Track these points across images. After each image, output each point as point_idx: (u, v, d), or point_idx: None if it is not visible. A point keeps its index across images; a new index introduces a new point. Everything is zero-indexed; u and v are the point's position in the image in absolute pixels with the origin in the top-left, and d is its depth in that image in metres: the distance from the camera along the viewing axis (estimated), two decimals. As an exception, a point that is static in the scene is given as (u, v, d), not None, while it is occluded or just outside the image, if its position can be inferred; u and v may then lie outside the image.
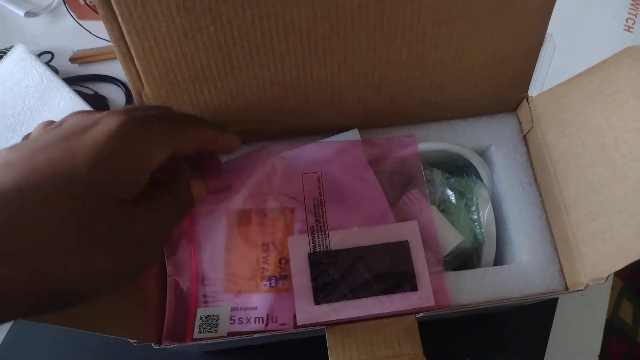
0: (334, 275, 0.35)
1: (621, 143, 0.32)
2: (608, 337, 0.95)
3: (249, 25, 0.31)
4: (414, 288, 0.34)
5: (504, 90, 0.38)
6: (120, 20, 0.30)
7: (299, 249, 0.35)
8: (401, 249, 0.35)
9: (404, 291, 0.34)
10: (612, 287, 1.04)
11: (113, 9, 0.29)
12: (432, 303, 0.34)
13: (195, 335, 0.34)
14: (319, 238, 0.36)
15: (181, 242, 0.36)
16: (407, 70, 0.35)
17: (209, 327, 0.34)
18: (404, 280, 0.35)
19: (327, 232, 0.36)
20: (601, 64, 0.34)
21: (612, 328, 0.94)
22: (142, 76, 0.33)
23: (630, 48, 0.33)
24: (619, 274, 0.98)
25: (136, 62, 0.33)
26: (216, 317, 0.34)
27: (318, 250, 0.35)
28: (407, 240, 0.35)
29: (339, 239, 0.36)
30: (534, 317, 0.49)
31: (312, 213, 0.37)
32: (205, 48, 0.32)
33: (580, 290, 0.34)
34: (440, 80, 0.37)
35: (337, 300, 0.34)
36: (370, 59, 0.34)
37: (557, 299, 0.50)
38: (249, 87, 0.35)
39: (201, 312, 0.34)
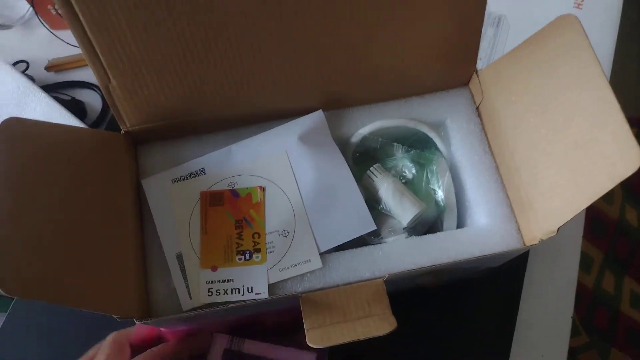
0: None
1: (560, 104, 0.35)
2: (595, 309, 0.98)
3: (204, 17, 0.33)
4: None
5: (453, 66, 0.41)
6: (81, 18, 0.32)
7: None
8: None
9: None
10: (594, 260, 1.07)
11: (74, 8, 0.31)
12: None
13: None
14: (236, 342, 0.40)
15: None
16: (359, 54, 0.38)
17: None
18: None
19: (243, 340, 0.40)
20: (537, 33, 0.36)
21: (597, 299, 0.96)
22: (107, 71, 0.35)
23: (562, 16, 0.35)
24: (599, 246, 1.01)
25: (101, 57, 0.34)
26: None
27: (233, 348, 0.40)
28: None
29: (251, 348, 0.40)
30: (505, 281, 0.51)
31: None
32: (165, 41, 0.34)
33: (534, 244, 0.36)
34: (390, 61, 0.39)
35: None
36: (321, 46, 0.36)
37: (526, 262, 0.52)
38: (210, 76, 0.37)
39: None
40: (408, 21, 0.37)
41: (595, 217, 0.93)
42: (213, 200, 0.39)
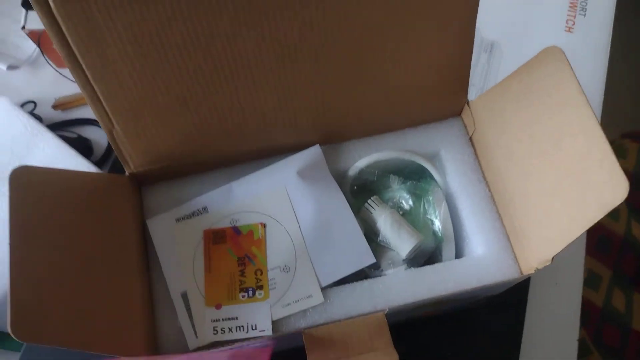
0: None
1: (548, 135, 0.36)
2: (603, 326, 0.97)
3: (201, 62, 0.34)
4: None
5: (445, 98, 0.42)
6: (84, 67, 0.34)
7: None
8: None
9: None
10: (602, 277, 1.06)
11: (78, 60, 0.33)
12: None
13: None
14: None
15: None
16: (354, 92, 0.39)
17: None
18: None
19: None
20: (525, 65, 0.37)
21: (607, 317, 0.96)
22: (111, 117, 0.37)
23: (548, 48, 0.36)
24: (607, 263, 1.01)
25: (104, 104, 0.36)
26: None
27: None
28: None
29: None
30: (508, 307, 0.51)
31: None
32: (165, 86, 0.35)
33: (531, 274, 0.37)
34: (385, 96, 0.40)
35: None
36: (317, 84, 0.38)
37: (527, 288, 0.52)
38: (210, 118, 0.38)
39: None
40: (400, 58, 0.38)
41: (602, 235, 0.93)
42: (216, 238, 0.40)
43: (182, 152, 0.41)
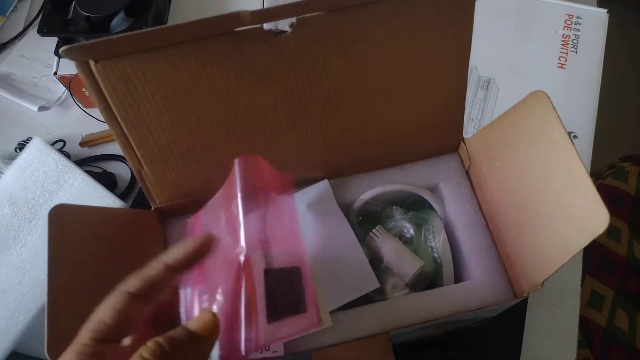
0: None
1: (537, 169, 0.39)
2: (608, 347, 0.98)
3: (223, 112, 0.39)
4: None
5: (442, 136, 0.46)
6: (119, 119, 0.38)
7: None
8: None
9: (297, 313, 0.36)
10: (605, 298, 1.08)
11: (114, 112, 0.37)
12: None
13: None
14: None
15: None
16: (358, 133, 0.43)
17: None
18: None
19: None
20: (515, 107, 0.41)
21: (610, 337, 0.97)
22: (140, 159, 0.41)
23: (534, 92, 0.40)
24: (609, 283, 1.02)
25: (135, 149, 0.40)
26: None
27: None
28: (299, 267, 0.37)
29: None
30: (506, 327, 0.54)
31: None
32: (190, 133, 0.40)
33: (523, 297, 0.40)
34: (388, 136, 0.44)
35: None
36: (325, 127, 0.42)
37: (525, 310, 0.55)
38: (228, 159, 0.42)
39: None
40: (402, 104, 0.42)
41: (604, 257, 0.95)
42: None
43: (202, 189, 0.45)
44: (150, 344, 0.26)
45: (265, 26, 0.35)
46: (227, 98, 0.38)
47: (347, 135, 0.44)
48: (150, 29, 0.32)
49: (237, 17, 0.32)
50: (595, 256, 0.96)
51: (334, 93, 0.40)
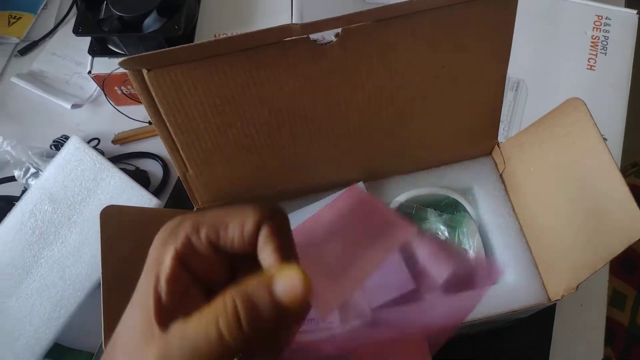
0: None
1: (573, 176, 0.40)
2: (630, 345, 0.99)
3: (267, 118, 0.40)
4: None
5: (477, 140, 0.46)
6: (168, 125, 0.39)
7: None
8: None
9: None
10: (627, 297, 1.08)
11: (163, 118, 0.39)
12: None
13: None
14: None
15: None
16: (394, 137, 0.44)
17: None
18: None
19: None
20: (550, 113, 0.42)
21: (633, 336, 0.97)
22: (186, 163, 0.42)
23: (571, 99, 0.41)
24: (631, 282, 1.03)
25: (181, 153, 0.42)
26: None
27: None
28: None
29: None
30: (536, 327, 0.55)
31: None
32: (234, 138, 0.41)
33: (557, 300, 0.41)
34: (424, 140, 0.45)
35: None
36: (364, 131, 0.43)
37: (554, 312, 0.56)
38: (269, 162, 0.44)
39: None
40: (438, 108, 0.43)
41: (626, 255, 0.95)
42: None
43: (243, 190, 0.46)
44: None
45: (312, 36, 0.36)
46: (272, 104, 0.39)
47: (384, 140, 0.45)
48: (205, 41, 0.33)
49: (287, 29, 0.34)
50: (617, 256, 0.96)
51: (374, 99, 0.41)
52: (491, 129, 0.46)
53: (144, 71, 0.36)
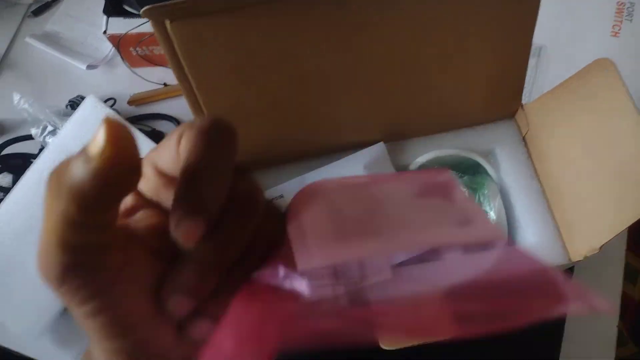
0: None
1: (600, 137, 0.39)
2: (640, 319, 0.99)
3: (289, 74, 0.39)
4: None
5: (500, 101, 0.46)
6: (190, 78, 0.39)
7: None
8: None
9: None
10: (639, 271, 1.08)
11: (185, 72, 0.38)
12: None
13: None
14: None
15: None
16: (419, 96, 0.44)
17: None
18: None
19: None
20: (577, 74, 0.41)
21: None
22: (207, 118, 0.42)
23: (599, 60, 0.40)
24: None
25: (203, 108, 0.41)
26: None
27: None
28: None
29: None
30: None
31: None
32: (256, 93, 0.41)
33: (579, 260, 0.41)
34: (447, 101, 0.44)
35: None
36: (389, 89, 0.42)
37: (571, 276, 0.56)
38: (289, 120, 0.43)
39: None
40: (462, 66, 0.42)
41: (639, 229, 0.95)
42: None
43: (262, 148, 0.46)
44: None
45: (338, -12, 0.35)
46: (294, 60, 0.39)
47: (407, 99, 0.44)
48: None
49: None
50: (630, 229, 0.95)
51: (397, 57, 0.40)
52: (515, 91, 0.45)
53: (167, 22, 0.35)
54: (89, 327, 0.18)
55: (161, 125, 0.70)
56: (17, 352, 0.60)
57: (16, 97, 0.64)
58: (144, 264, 0.19)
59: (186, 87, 0.40)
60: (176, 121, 0.70)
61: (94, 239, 0.17)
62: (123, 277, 0.18)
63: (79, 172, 0.16)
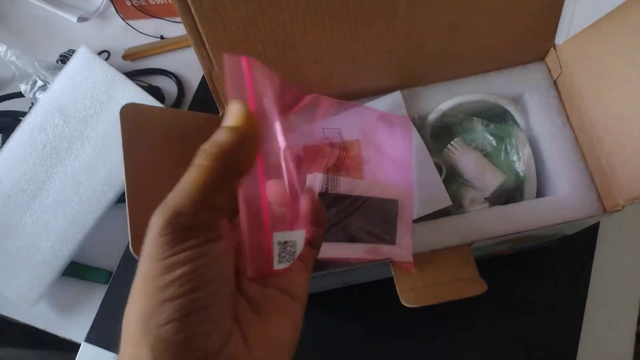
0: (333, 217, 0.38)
1: (644, 75, 0.36)
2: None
3: (303, 7, 0.35)
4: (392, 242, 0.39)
5: (531, 42, 0.42)
6: (193, 11, 0.35)
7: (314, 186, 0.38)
8: (392, 206, 0.39)
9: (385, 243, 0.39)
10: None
11: (187, 4, 0.34)
12: (408, 259, 0.38)
13: (275, 266, 0.27)
14: (331, 181, 0.38)
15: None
16: (443, 32, 0.40)
17: (287, 256, 0.28)
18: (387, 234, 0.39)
19: (339, 178, 0.38)
20: (617, 9, 0.37)
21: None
22: (212, 58, 0.38)
23: (644, -9, 0.36)
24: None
25: (207, 46, 0.37)
26: (293, 244, 0.28)
27: (329, 192, 0.38)
28: (398, 200, 0.39)
29: (346, 187, 0.39)
30: (577, 250, 0.52)
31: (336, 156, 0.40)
32: (266, 29, 0.37)
33: (618, 210, 0.38)
34: (474, 38, 0.40)
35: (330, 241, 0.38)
36: (409, 27, 0.38)
37: (597, 233, 0.53)
38: (303, 62, 0.39)
39: (278, 237, 0.27)
40: (492, 3, 0.38)
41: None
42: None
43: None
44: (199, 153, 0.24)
45: None
46: (309, -12, 0.35)
47: (430, 37, 0.40)
48: None
49: None
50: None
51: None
52: (549, 30, 0.41)
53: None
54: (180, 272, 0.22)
55: (158, 81, 0.66)
56: (15, 320, 0.58)
57: (2, 49, 0.59)
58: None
59: (189, 23, 0.36)
60: (174, 76, 0.66)
61: (222, 199, 0.24)
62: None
63: (226, 136, 0.24)
